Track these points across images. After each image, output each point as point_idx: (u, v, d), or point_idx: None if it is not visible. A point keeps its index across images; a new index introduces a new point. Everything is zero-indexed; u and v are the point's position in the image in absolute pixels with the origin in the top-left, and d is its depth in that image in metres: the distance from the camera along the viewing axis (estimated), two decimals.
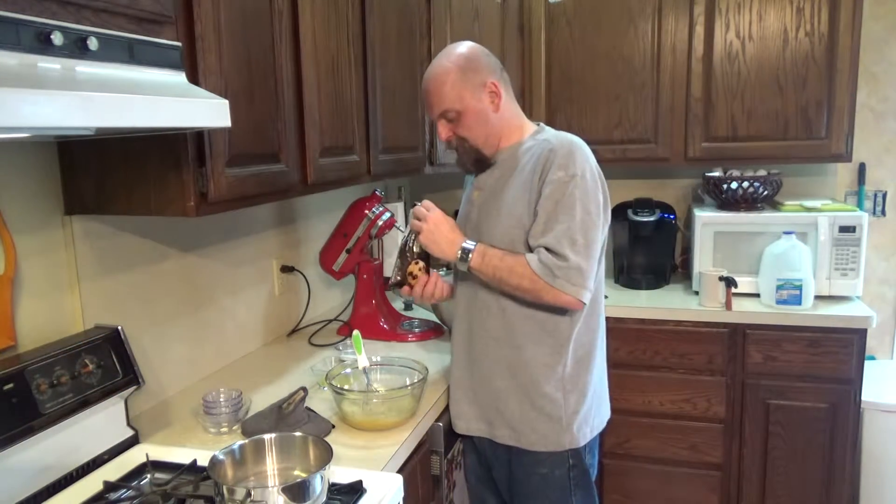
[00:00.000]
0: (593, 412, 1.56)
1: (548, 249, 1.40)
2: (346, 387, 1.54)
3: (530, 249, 1.45)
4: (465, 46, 1.53)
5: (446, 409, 1.69)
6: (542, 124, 1.59)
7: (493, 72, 1.52)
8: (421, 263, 1.57)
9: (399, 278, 1.59)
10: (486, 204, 1.54)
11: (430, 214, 1.52)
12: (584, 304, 1.43)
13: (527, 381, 1.50)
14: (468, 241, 1.49)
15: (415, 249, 1.57)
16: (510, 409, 1.53)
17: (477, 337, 1.56)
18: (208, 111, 1.07)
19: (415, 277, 1.57)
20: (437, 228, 1.51)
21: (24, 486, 1.18)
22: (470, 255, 1.47)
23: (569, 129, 1.63)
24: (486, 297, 1.53)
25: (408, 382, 1.57)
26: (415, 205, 1.57)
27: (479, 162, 1.56)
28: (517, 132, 1.56)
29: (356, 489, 1.20)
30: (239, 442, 1.22)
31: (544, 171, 1.43)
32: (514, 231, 1.47)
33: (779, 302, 2.38)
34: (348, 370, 1.63)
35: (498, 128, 1.53)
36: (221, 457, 1.17)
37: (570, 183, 1.40)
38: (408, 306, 2.46)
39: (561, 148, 1.43)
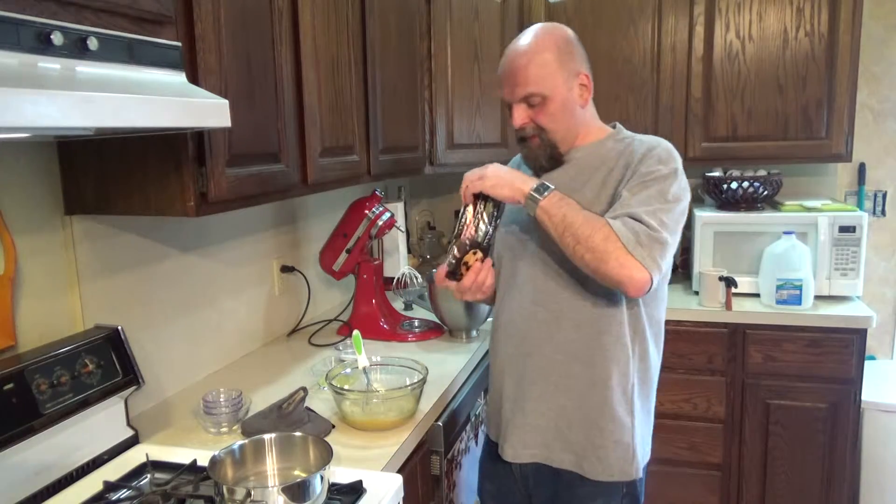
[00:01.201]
0: (648, 437, 1.45)
1: (637, 217, 1.25)
2: (346, 387, 1.54)
3: None
4: (561, 28, 1.38)
5: (446, 408, 1.69)
6: (619, 125, 1.48)
7: (585, 61, 1.39)
8: (479, 254, 1.38)
9: (452, 269, 1.38)
10: None
11: (486, 167, 1.35)
12: (651, 285, 1.26)
13: (598, 401, 1.35)
14: (545, 183, 1.32)
15: (478, 239, 1.37)
16: (574, 432, 1.37)
17: (537, 351, 1.39)
18: (208, 111, 1.07)
19: (469, 268, 1.38)
20: (500, 170, 1.34)
21: (24, 486, 1.18)
22: (547, 192, 1.28)
23: None
24: (558, 308, 1.36)
25: (408, 382, 1.57)
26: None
27: (552, 159, 1.41)
28: (594, 131, 1.44)
29: (356, 489, 1.20)
30: (239, 442, 1.22)
31: (638, 166, 1.32)
32: None
33: (779, 302, 2.38)
34: (348, 370, 1.63)
35: (579, 124, 1.40)
36: (221, 457, 1.17)
37: (671, 176, 1.30)
38: (408, 306, 2.46)
39: (659, 146, 1.34)
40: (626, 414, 1.37)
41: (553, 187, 1.30)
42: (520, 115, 1.37)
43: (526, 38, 1.37)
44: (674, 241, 1.28)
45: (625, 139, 1.40)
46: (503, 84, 1.38)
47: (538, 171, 1.44)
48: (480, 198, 1.35)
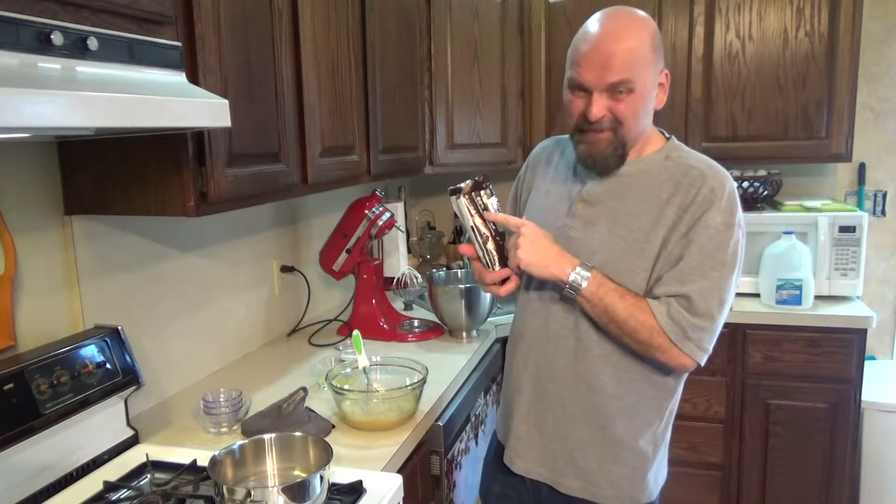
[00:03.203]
0: (665, 461, 1.41)
1: (687, 301, 1.20)
2: (346, 387, 1.54)
3: (640, 281, 1.25)
4: (649, 18, 1.26)
5: (446, 408, 1.69)
6: (672, 137, 1.36)
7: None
8: (500, 239, 1.33)
9: (497, 260, 1.32)
10: (598, 220, 1.29)
11: (525, 225, 1.26)
12: (699, 366, 1.25)
13: (620, 433, 1.30)
14: (584, 265, 1.23)
15: (500, 229, 1.32)
16: (588, 460, 1.32)
17: (559, 377, 1.33)
18: (208, 111, 1.07)
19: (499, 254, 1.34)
20: (536, 243, 1.25)
21: (24, 486, 1.18)
22: (585, 282, 1.22)
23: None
24: (588, 340, 1.29)
25: (408, 382, 1.57)
26: (459, 189, 1.28)
27: (621, 159, 1.28)
28: (645, 144, 1.32)
29: (356, 489, 1.20)
30: (239, 442, 1.22)
31: (697, 215, 1.22)
32: (628, 256, 1.25)
33: (779, 302, 2.38)
34: (348, 370, 1.63)
35: (646, 129, 1.29)
36: (221, 457, 1.17)
37: (728, 233, 1.21)
38: (408, 306, 2.46)
39: (720, 187, 1.23)
40: (649, 444, 1.33)
41: (589, 275, 1.22)
42: (600, 106, 1.22)
43: (620, 21, 1.23)
44: (726, 312, 1.24)
45: (679, 159, 1.30)
46: (585, 66, 1.22)
47: (596, 171, 1.31)
48: (475, 193, 1.29)
